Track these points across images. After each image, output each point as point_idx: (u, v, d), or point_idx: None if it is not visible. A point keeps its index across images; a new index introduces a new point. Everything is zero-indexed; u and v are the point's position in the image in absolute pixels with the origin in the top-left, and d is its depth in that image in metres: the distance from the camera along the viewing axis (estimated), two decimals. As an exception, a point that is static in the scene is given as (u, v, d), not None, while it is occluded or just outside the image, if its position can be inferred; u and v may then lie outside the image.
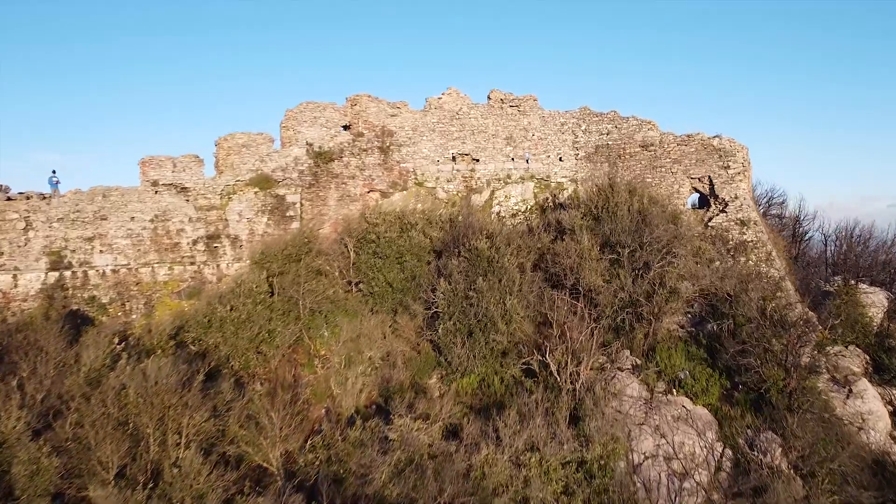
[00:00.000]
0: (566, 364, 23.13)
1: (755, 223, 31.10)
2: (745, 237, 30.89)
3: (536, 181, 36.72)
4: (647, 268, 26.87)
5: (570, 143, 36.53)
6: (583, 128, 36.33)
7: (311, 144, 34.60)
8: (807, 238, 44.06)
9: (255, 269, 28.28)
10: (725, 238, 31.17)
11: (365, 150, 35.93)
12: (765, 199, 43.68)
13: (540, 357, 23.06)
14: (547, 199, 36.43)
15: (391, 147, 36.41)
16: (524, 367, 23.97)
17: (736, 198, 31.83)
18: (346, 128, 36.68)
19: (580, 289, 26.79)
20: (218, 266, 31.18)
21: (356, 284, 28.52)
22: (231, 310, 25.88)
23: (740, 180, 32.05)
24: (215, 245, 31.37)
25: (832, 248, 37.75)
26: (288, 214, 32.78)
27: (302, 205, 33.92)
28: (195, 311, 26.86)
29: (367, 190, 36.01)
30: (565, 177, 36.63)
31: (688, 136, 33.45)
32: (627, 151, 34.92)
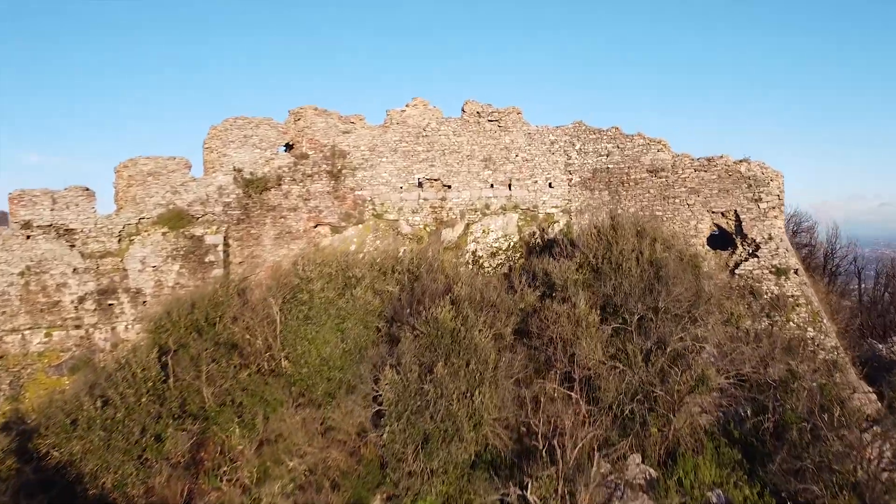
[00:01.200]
0: (556, 493, 16.54)
1: (795, 272, 24.58)
2: (783, 290, 24.36)
3: (521, 212, 30.15)
4: (663, 341, 20.30)
5: (561, 166, 29.95)
6: (577, 147, 29.75)
7: (239, 170, 27.86)
8: (838, 272, 37.79)
9: (150, 340, 21.53)
10: (758, 290, 24.64)
11: (310, 176, 29.26)
12: (790, 226, 37.31)
13: (519, 492, 16.41)
14: (534, 233, 29.89)
15: (343, 171, 29.76)
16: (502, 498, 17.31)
17: (770, 238, 25.30)
18: (288, 148, 30.00)
19: (575, 370, 20.20)
20: (113, 329, 24.43)
21: (284, 359, 21.79)
22: (104, 405, 19.14)
23: (775, 216, 25.52)
24: (110, 302, 24.60)
25: (878, 291, 31.28)
26: (207, 260, 26.05)
27: (228, 246, 27.21)
28: (59, 403, 20.06)
29: (314, 224, 29.34)
30: (556, 207, 30.06)
31: (707, 159, 26.91)
32: (632, 177, 28.35)
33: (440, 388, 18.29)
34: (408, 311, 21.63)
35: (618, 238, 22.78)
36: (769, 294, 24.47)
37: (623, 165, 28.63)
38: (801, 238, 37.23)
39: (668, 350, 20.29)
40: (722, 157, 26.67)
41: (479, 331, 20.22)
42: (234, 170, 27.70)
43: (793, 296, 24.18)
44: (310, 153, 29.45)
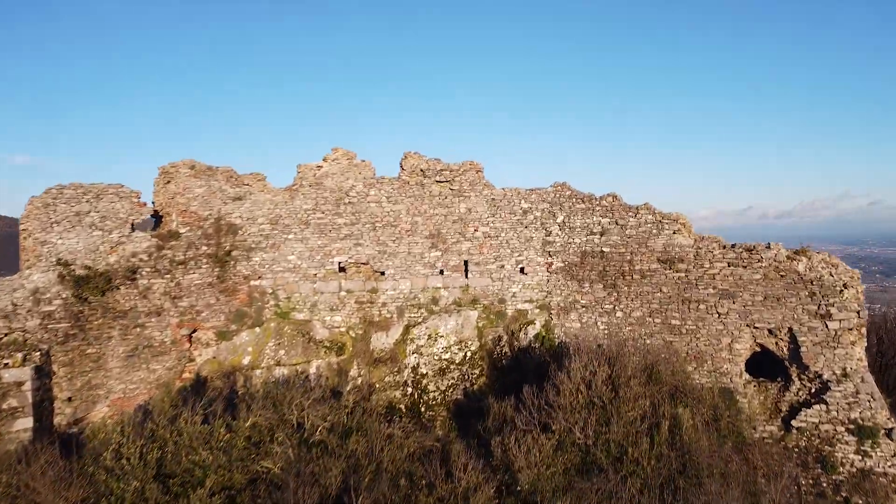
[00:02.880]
0: None
1: (888, 434, 16.21)
2: (869, 464, 16.01)
3: (482, 308, 21.72)
4: None
5: (538, 245, 21.53)
6: (559, 219, 21.31)
7: (69, 263, 19.25)
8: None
9: None
10: (829, 458, 16.30)
11: (182, 263, 20.70)
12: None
13: None
14: (500, 339, 21.48)
15: (234, 253, 21.25)
16: None
17: (845, 376, 16.93)
18: (156, 221, 21.49)
19: None
20: None
21: None
22: None
23: (851, 343, 17.14)
24: None
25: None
26: (7, 406, 17.44)
27: (50, 376, 18.62)
28: None
29: (189, 331, 20.81)
30: (530, 301, 21.64)
31: (748, 250, 18.47)
32: (637, 267, 19.93)
33: None
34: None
35: (619, 403, 14.31)
36: (848, 467, 16.11)
37: (624, 249, 20.21)
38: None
39: None
40: (769, 246, 18.25)
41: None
42: (60, 263, 19.08)
43: (885, 474, 15.82)
44: (182, 230, 20.88)
